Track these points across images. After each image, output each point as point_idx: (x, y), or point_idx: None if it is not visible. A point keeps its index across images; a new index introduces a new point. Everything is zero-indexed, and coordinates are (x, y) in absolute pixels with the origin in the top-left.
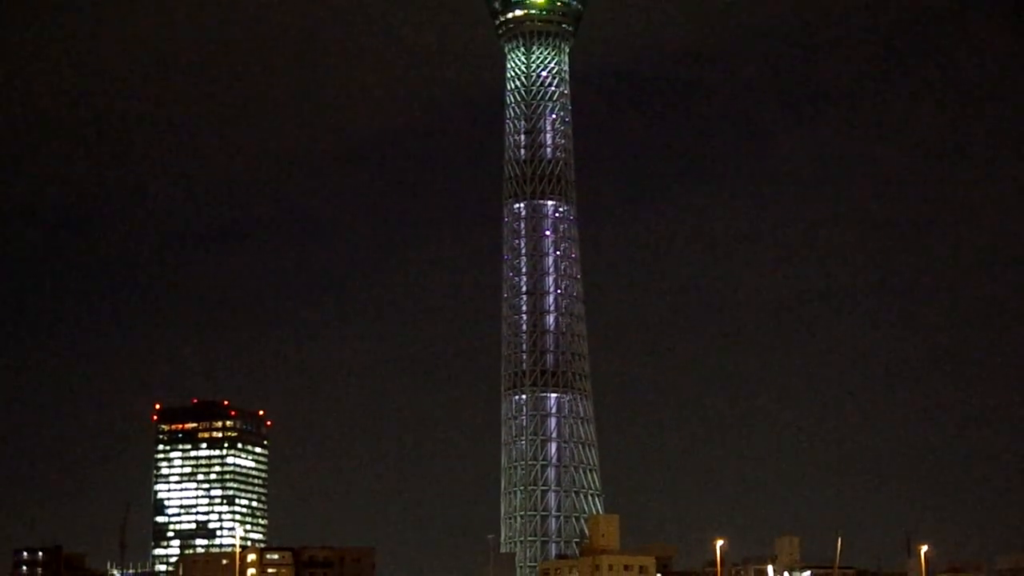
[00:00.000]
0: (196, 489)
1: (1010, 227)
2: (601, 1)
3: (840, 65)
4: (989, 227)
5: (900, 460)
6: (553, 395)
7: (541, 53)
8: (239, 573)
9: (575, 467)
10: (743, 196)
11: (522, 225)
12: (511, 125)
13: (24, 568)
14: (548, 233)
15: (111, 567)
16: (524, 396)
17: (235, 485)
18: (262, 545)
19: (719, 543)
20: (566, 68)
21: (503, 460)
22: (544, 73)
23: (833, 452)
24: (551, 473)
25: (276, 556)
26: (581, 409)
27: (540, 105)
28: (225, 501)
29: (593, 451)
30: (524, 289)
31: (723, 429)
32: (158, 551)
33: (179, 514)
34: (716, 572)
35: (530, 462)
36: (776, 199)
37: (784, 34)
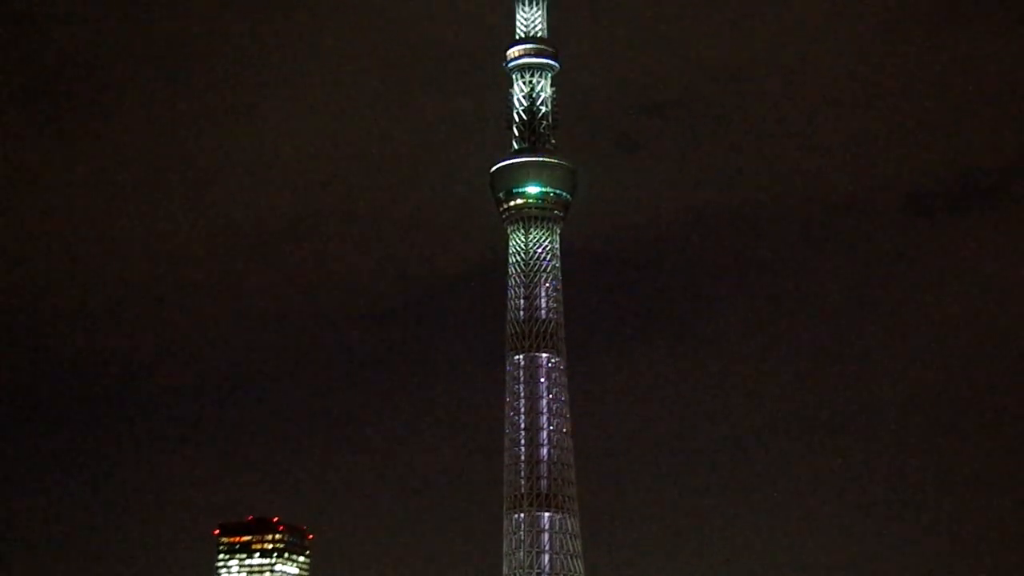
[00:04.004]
0: None
1: (919, 366)
2: (583, 194)
3: (766, 245)
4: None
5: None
6: (546, 514)
7: (537, 234)
8: None
9: (564, 575)
10: (692, 348)
11: (521, 373)
12: (512, 292)
13: None
14: (543, 380)
15: None
16: (522, 515)
17: None
18: None
19: None
20: (557, 245)
21: (504, 568)
22: (539, 250)
23: (802, 567)
24: None
25: None
26: (569, 526)
27: (536, 276)
28: None
29: (579, 561)
30: (522, 426)
31: (690, 540)
32: None
33: None
34: None
35: (527, 570)
36: (717, 351)
37: (720, 220)
